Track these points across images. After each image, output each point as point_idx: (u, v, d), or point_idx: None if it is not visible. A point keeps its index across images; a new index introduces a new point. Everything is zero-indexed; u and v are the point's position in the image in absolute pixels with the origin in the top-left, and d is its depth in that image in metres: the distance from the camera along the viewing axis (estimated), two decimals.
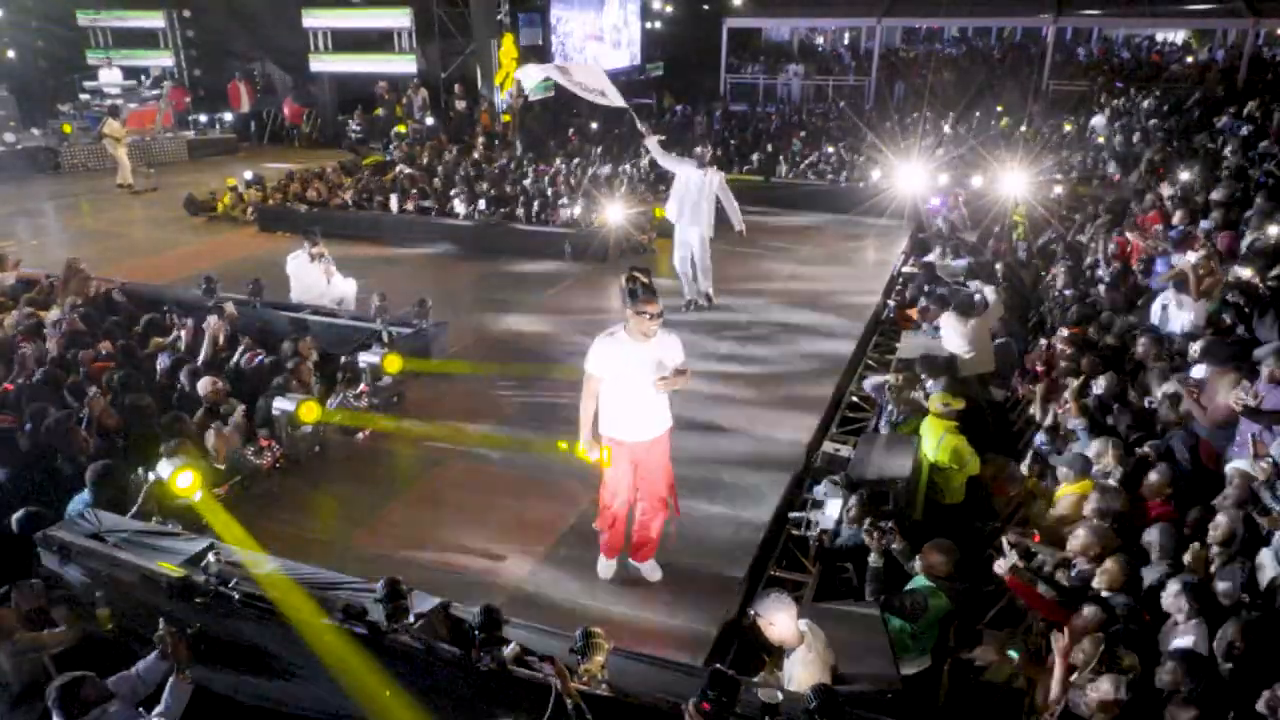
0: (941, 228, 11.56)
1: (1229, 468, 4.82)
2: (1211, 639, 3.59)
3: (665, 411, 4.79)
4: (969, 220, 12.04)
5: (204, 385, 6.43)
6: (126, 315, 8.25)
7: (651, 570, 5.08)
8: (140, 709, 3.69)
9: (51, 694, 3.40)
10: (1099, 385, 6.06)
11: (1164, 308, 7.08)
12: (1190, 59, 22.77)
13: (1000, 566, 4.30)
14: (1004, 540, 4.44)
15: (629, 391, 4.63)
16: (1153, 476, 4.85)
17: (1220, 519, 4.23)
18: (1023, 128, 16.84)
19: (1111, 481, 4.94)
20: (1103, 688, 3.24)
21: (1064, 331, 7.23)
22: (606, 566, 5.12)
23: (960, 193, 12.61)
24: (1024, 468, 5.73)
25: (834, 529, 5.31)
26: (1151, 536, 4.37)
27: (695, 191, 8.91)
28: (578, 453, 4.88)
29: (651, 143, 9.30)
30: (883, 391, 6.85)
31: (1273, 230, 8.03)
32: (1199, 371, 5.68)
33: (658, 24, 26.82)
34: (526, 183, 13.73)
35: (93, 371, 6.82)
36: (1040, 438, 6.11)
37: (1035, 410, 6.59)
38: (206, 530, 5.26)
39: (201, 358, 7.14)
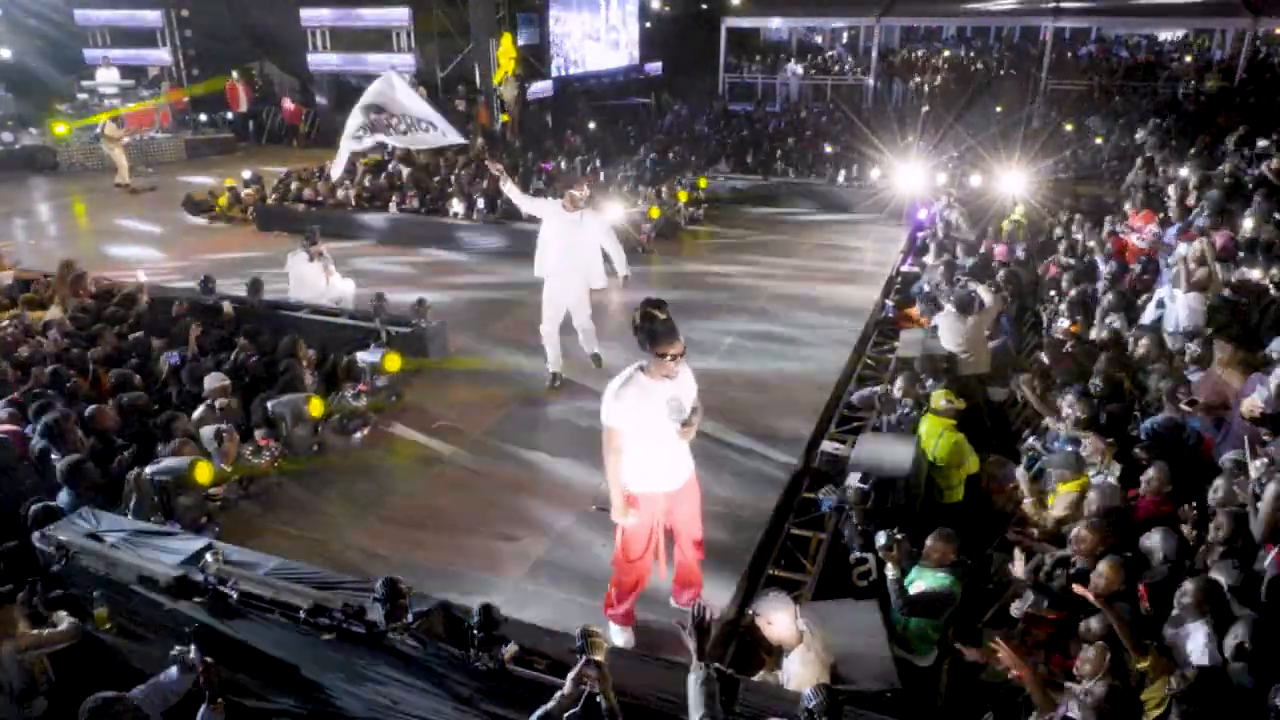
0: (939, 230, 11.54)
1: (1224, 459, 4.81)
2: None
3: (689, 452, 4.45)
4: (968, 219, 12.02)
5: (212, 380, 6.43)
6: (127, 314, 8.23)
7: None
8: None
9: (84, 716, 3.30)
10: (1096, 385, 6.05)
11: (1159, 304, 7.09)
12: (1189, 58, 22.78)
13: (1016, 609, 4.31)
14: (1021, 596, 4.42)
15: (657, 438, 4.22)
16: (1151, 474, 4.84)
17: (1221, 518, 4.21)
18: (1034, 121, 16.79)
19: (1110, 480, 4.94)
20: (1095, 692, 3.26)
21: (1063, 322, 7.24)
22: (624, 635, 4.62)
23: (952, 192, 12.58)
24: (1020, 469, 5.73)
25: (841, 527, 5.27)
26: (1153, 541, 4.36)
27: (566, 238, 7.23)
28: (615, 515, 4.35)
29: (508, 187, 7.33)
30: (874, 401, 6.83)
31: (1248, 224, 8.06)
32: (1194, 375, 5.68)
33: (656, 23, 26.83)
34: (540, 182, 13.72)
35: (91, 369, 6.82)
36: (1033, 439, 6.10)
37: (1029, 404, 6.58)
38: (206, 529, 5.28)
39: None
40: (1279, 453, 4.35)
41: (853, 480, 5.00)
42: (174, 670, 3.69)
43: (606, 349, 7.89)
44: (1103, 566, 4.19)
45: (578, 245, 7.21)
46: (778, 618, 3.71)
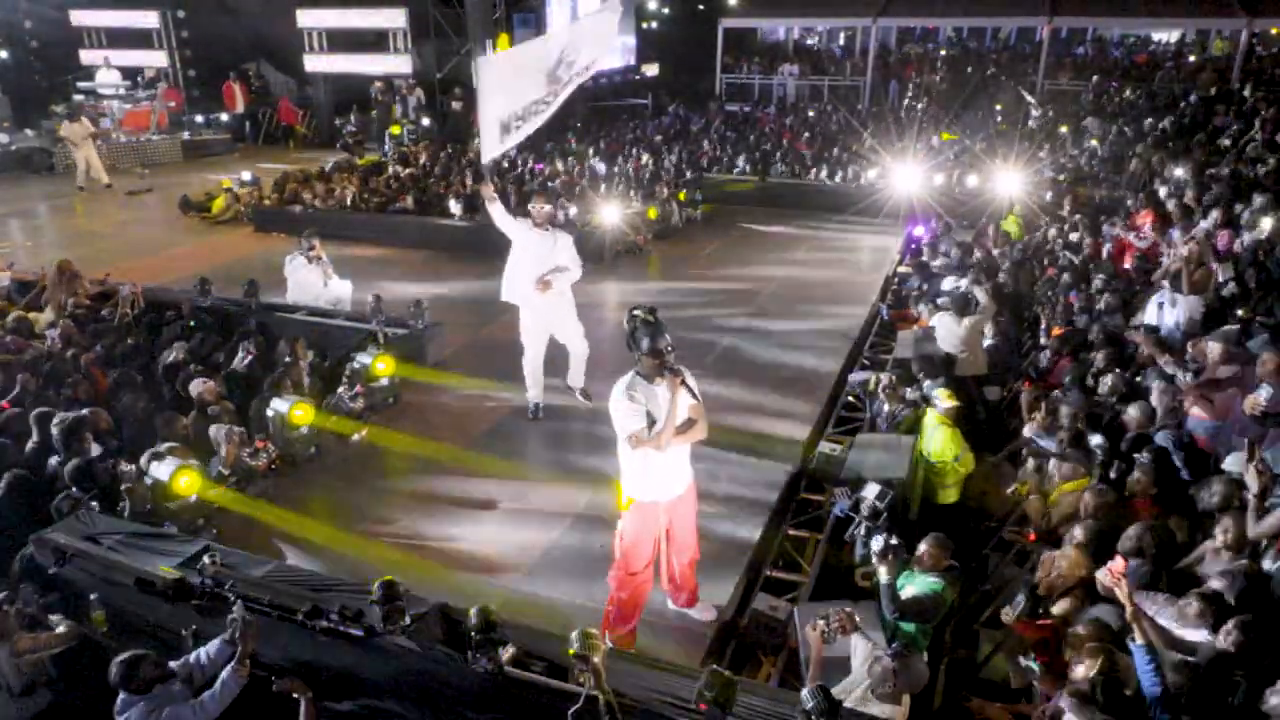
0: (937, 230, 11.55)
1: (1227, 464, 4.80)
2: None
3: (689, 459, 4.45)
4: (963, 221, 12.05)
5: (195, 386, 6.43)
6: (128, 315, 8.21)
7: (705, 610, 4.82)
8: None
9: (113, 671, 3.47)
10: (1105, 384, 6.05)
11: (1159, 306, 7.10)
12: (1193, 57, 22.80)
13: (1007, 616, 4.31)
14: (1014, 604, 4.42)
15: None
16: (1138, 475, 4.84)
17: (1228, 523, 4.17)
18: (1031, 121, 16.83)
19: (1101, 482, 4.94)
20: (1083, 688, 3.30)
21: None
22: None
23: (945, 216, 12.49)
24: (1026, 469, 5.72)
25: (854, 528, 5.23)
26: (1133, 535, 4.36)
27: (536, 260, 6.71)
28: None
29: (495, 207, 6.73)
30: (867, 387, 6.87)
31: (1267, 223, 8.07)
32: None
33: (653, 24, 26.84)
34: (535, 184, 13.73)
35: (90, 373, 6.81)
36: (1044, 439, 6.07)
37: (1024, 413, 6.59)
38: (202, 532, 5.28)
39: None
40: (1274, 460, 4.34)
41: (869, 494, 4.96)
42: (216, 642, 3.77)
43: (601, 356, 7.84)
44: (1070, 550, 4.23)
45: (550, 266, 6.69)
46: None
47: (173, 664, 3.68)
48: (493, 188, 6.97)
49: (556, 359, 7.27)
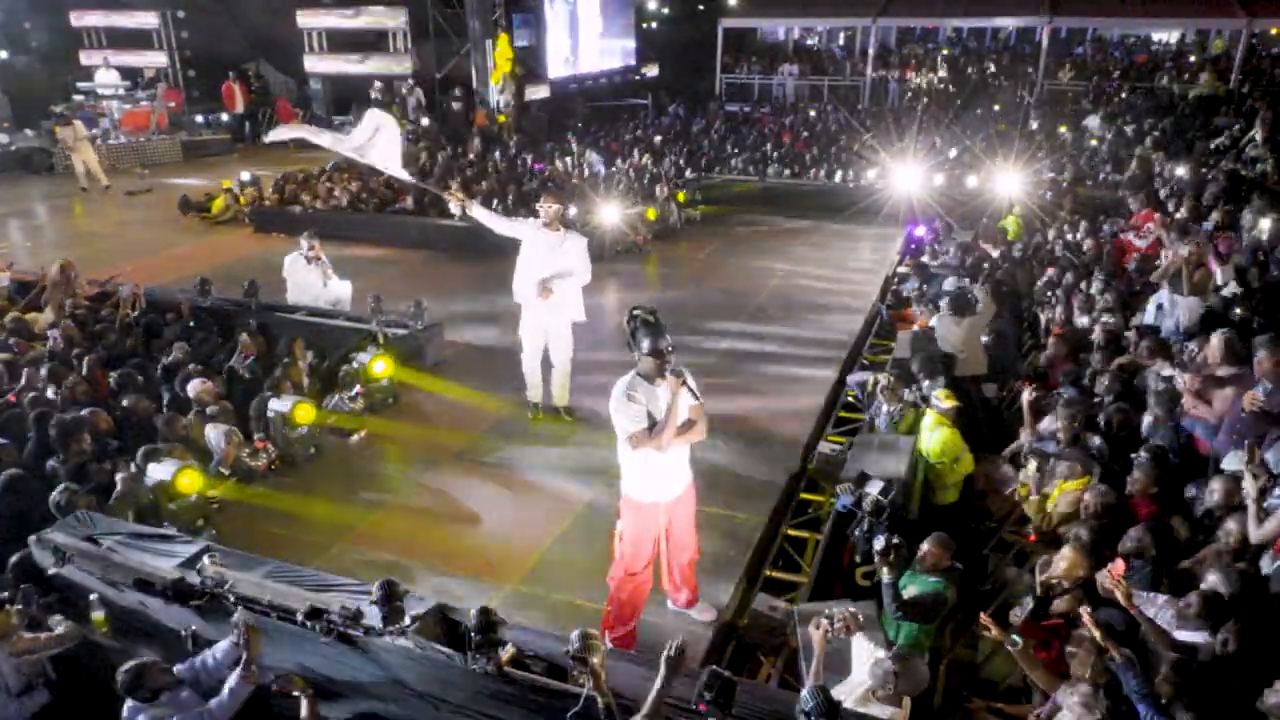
0: (939, 230, 11.54)
1: (1225, 465, 4.80)
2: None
3: (688, 460, 4.46)
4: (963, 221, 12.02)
5: (194, 386, 6.43)
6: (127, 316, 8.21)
7: (704, 610, 4.83)
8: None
9: (120, 679, 3.44)
10: (1102, 384, 6.05)
11: (1159, 306, 7.09)
12: (1193, 57, 22.82)
13: (1015, 618, 4.31)
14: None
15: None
16: (1137, 475, 4.84)
17: (1231, 526, 4.18)
18: (1031, 121, 16.86)
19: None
20: (1081, 689, 3.28)
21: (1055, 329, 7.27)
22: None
23: (947, 219, 12.48)
24: (1027, 470, 5.71)
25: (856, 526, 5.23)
26: (1134, 536, 4.35)
27: (542, 261, 6.52)
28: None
29: (478, 211, 6.71)
30: (865, 388, 6.87)
31: (1266, 223, 8.07)
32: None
33: (653, 24, 26.86)
34: (534, 184, 13.72)
35: (92, 375, 6.81)
36: (1043, 443, 6.07)
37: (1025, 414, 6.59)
38: (202, 532, 5.28)
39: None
40: (1274, 460, 4.34)
41: (872, 489, 4.95)
42: (223, 645, 3.74)
43: (599, 353, 7.83)
44: (1066, 551, 4.22)
45: (556, 268, 6.49)
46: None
47: (179, 667, 3.66)
48: (461, 194, 6.83)
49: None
